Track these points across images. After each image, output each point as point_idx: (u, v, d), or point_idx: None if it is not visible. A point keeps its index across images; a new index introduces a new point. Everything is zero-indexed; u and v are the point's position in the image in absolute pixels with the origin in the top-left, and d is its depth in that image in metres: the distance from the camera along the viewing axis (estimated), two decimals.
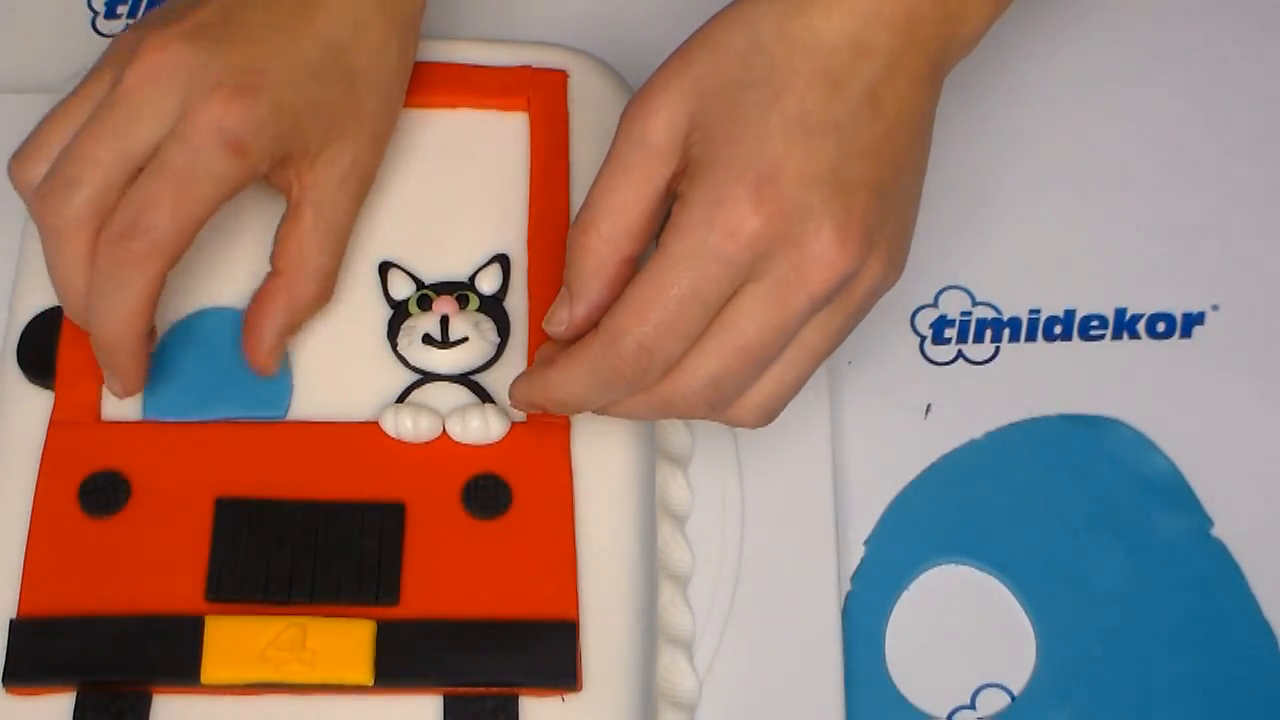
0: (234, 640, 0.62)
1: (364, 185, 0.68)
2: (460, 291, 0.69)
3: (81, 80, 0.66)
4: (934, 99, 0.63)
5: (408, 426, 0.66)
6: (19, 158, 0.65)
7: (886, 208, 0.61)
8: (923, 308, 0.76)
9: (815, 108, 0.60)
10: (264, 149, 0.64)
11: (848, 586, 0.71)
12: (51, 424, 0.66)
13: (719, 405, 0.62)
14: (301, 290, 0.67)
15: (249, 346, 0.66)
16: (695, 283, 0.59)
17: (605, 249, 0.62)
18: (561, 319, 0.63)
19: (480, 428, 0.66)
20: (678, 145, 0.61)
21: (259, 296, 0.67)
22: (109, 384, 0.66)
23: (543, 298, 0.69)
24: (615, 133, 0.62)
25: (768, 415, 0.63)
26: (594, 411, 0.63)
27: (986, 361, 0.75)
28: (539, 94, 0.72)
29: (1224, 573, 0.72)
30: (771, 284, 0.59)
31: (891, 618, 0.71)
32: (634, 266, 0.62)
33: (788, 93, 0.60)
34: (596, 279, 0.62)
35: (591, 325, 0.61)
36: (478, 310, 0.68)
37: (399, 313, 0.69)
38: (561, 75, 0.73)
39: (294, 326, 0.67)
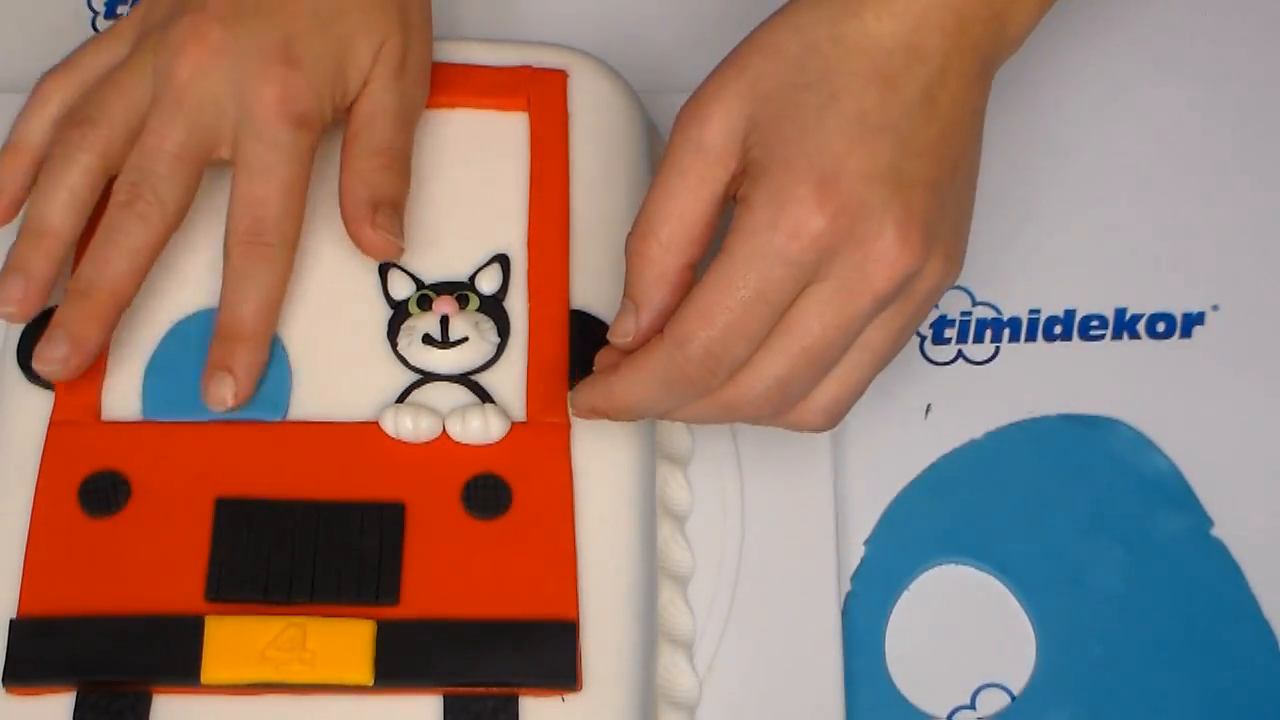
0: (234, 640, 0.62)
1: (419, 73, 0.69)
2: (460, 291, 0.69)
3: (120, 20, 0.69)
4: (984, 97, 0.63)
5: (408, 426, 0.66)
6: (55, 72, 0.68)
7: (945, 206, 0.61)
8: None
9: (872, 107, 0.60)
10: (323, 109, 0.66)
11: (848, 586, 0.71)
12: (51, 424, 0.66)
13: (783, 407, 0.62)
14: (362, 164, 0.67)
15: (354, 234, 0.67)
16: (760, 285, 0.59)
17: (666, 257, 0.62)
18: (628, 329, 0.62)
19: (480, 428, 0.66)
20: (735, 149, 0.61)
21: (340, 191, 0.68)
22: (218, 389, 0.65)
23: (543, 298, 0.69)
24: (669, 140, 0.62)
25: (833, 417, 0.63)
26: (656, 417, 0.63)
27: (986, 361, 0.75)
28: (539, 94, 0.72)
29: (1224, 573, 0.72)
30: (836, 284, 0.60)
31: (891, 618, 0.71)
32: (694, 272, 0.62)
33: (844, 93, 0.60)
34: (659, 287, 0.62)
35: (656, 332, 0.61)
36: (478, 310, 0.68)
37: (399, 313, 0.69)
38: (561, 75, 0.73)
39: (379, 199, 0.67)
